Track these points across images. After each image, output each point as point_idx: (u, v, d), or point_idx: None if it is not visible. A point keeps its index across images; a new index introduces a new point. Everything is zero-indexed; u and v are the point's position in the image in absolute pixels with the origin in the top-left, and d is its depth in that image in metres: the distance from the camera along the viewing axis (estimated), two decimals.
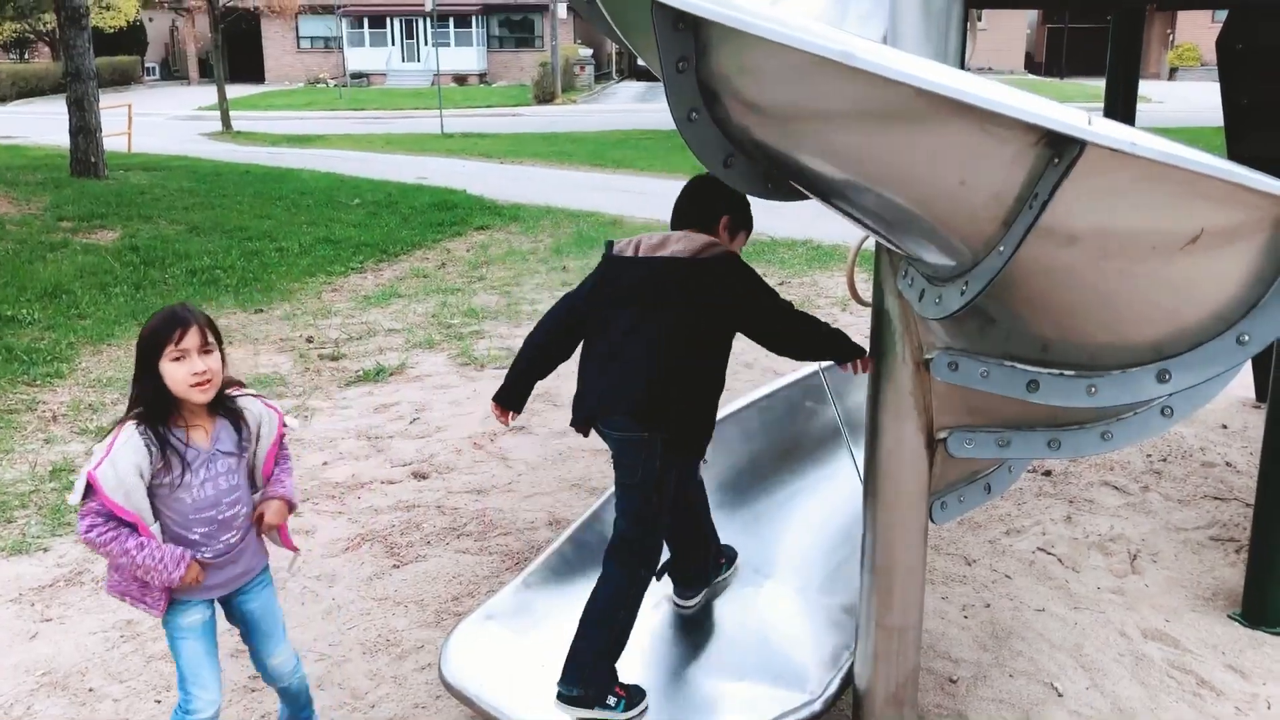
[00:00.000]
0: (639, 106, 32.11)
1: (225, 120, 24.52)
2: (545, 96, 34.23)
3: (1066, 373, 2.38)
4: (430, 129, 25.11)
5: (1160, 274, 2.00)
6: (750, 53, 1.97)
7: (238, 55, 43.23)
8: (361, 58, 43.27)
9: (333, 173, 15.32)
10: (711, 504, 3.22)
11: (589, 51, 40.45)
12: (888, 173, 1.98)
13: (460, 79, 40.93)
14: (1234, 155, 4.36)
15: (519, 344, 6.56)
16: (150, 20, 45.14)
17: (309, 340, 6.87)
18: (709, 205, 2.85)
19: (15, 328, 6.85)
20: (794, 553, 3.25)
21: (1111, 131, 1.72)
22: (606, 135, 22.68)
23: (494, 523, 4.16)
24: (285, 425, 2.60)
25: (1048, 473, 4.54)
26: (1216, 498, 4.31)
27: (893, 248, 2.34)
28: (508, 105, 33.08)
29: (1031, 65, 44.42)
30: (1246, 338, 2.14)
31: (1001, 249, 1.93)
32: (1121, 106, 4.93)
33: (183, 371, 2.35)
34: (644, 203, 12.65)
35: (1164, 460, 4.67)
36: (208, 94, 34.38)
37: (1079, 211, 1.85)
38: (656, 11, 1.92)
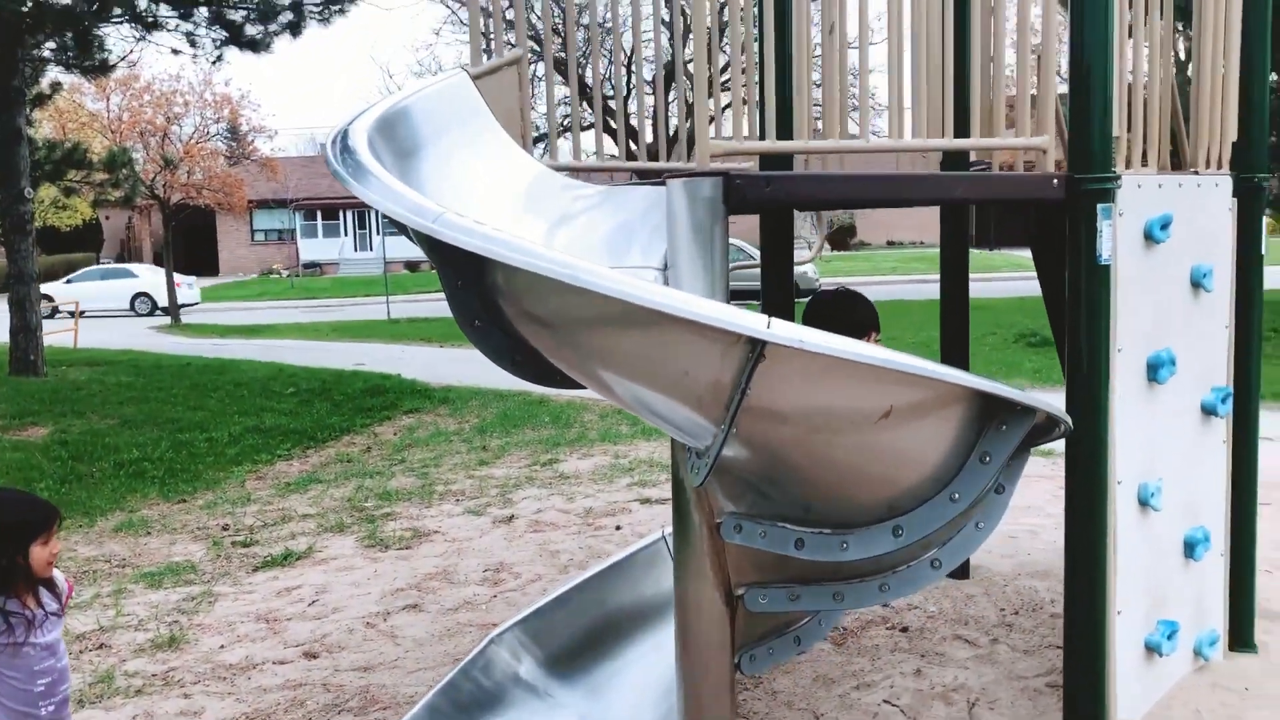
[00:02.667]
0: None
1: (174, 314, 24.98)
2: None
3: (825, 531, 2.71)
4: (379, 315, 25.71)
5: (866, 444, 2.36)
6: (516, 275, 2.36)
7: (193, 248, 44.21)
8: (315, 248, 44.41)
9: (273, 362, 15.68)
10: (555, 674, 3.48)
11: None
12: (632, 366, 2.36)
13: (412, 265, 41.98)
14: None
15: (431, 524, 6.89)
16: (107, 218, 46.14)
17: (224, 528, 7.08)
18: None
19: None
20: (630, 714, 3.49)
21: (784, 331, 2.10)
22: None
23: (375, 698, 4.34)
24: (72, 590, 3.21)
25: (904, 629, 4.81)
26: (1059, 646, 4.58)
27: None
28: None
29: (981, 239, 46.29)
30: (957, 496, 2.50)
31: (723, 428, 2.29)
32: None
33: (47, 554, 2.84)
34: None
35: (1016, 613, 4.96)
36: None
37: (780, 395, 2.22)
38: (424, 244, 2.31)
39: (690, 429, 2.40)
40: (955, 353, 5.25)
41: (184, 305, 28.40)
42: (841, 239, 48.33)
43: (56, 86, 17.75)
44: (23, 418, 10.43)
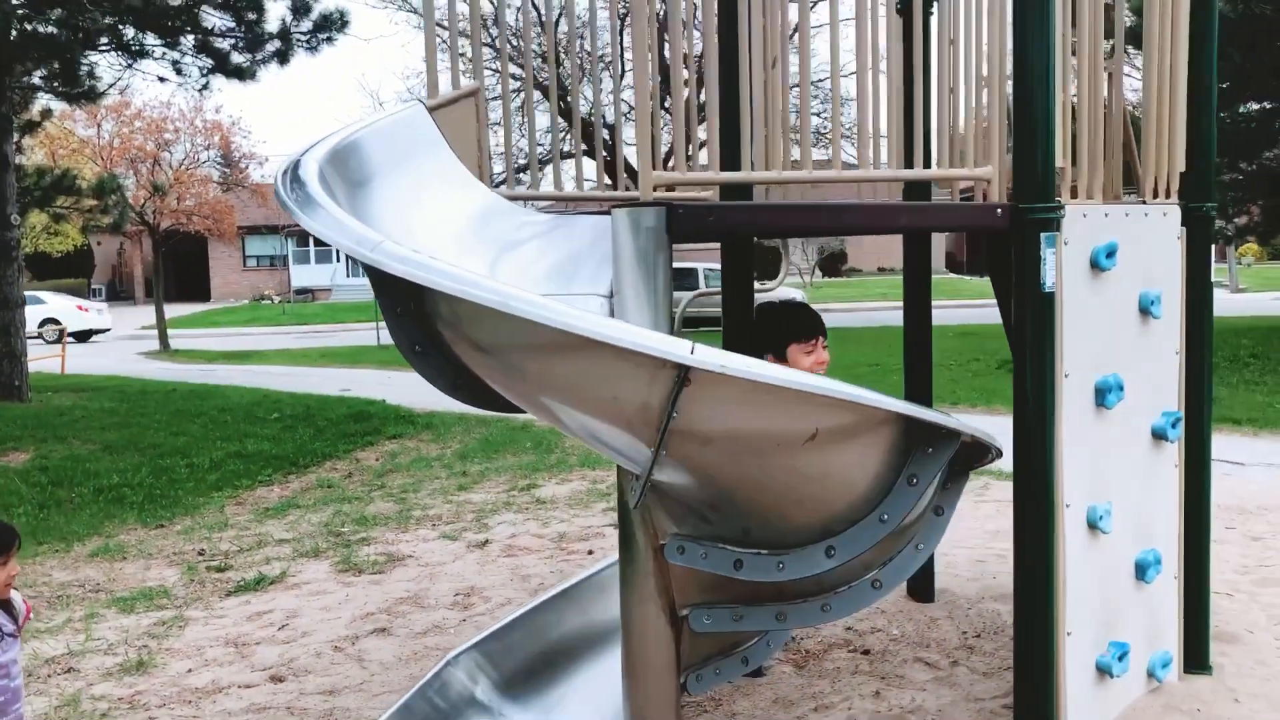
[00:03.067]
0: None
1: (163, 339, 25.04)
2: None
3: (763, 552, 2.77)
4: (369, 341, 25.75)
5: (794, 466, 2.42)
6: (453, 302, 2.43)
7: (185, 275, 44.32)
8: (307, 274, 44.49)
9: (259, 388, 15.71)
10: (510, 696, 3.53)
11: None
12: (565, 391, 2.42)
13: None
14: None
15: (405, 548, 6.93)
16: (99, 244, 46.25)
17: (200, 553, 7.11)
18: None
19: None
20: None
21: (707, 356, 2.17)
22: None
23: None
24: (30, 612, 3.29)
25: (866, 651, 4.85)
26: None
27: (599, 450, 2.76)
28: None
29: (953, 264, 46.52)
30: (886, 517, 2.56)
31: (653, 450, 2.35)
32: None
33: (5, 575, 2.93)
34: None
35: (978, 636, 5.01)
36: (152, 314, 34.98)
37: (706, 418, 2.28)
38: (371, 273, 2.38)
39: (625, 451, 2.46)
40: (918, 379, 5.32)
41: (96, 331, 29.09)
42: (832, 265, 48.55)
43: (47, 113, 17.87)
44: (3, 443, 10.46)
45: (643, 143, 2.88)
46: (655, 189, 2.90)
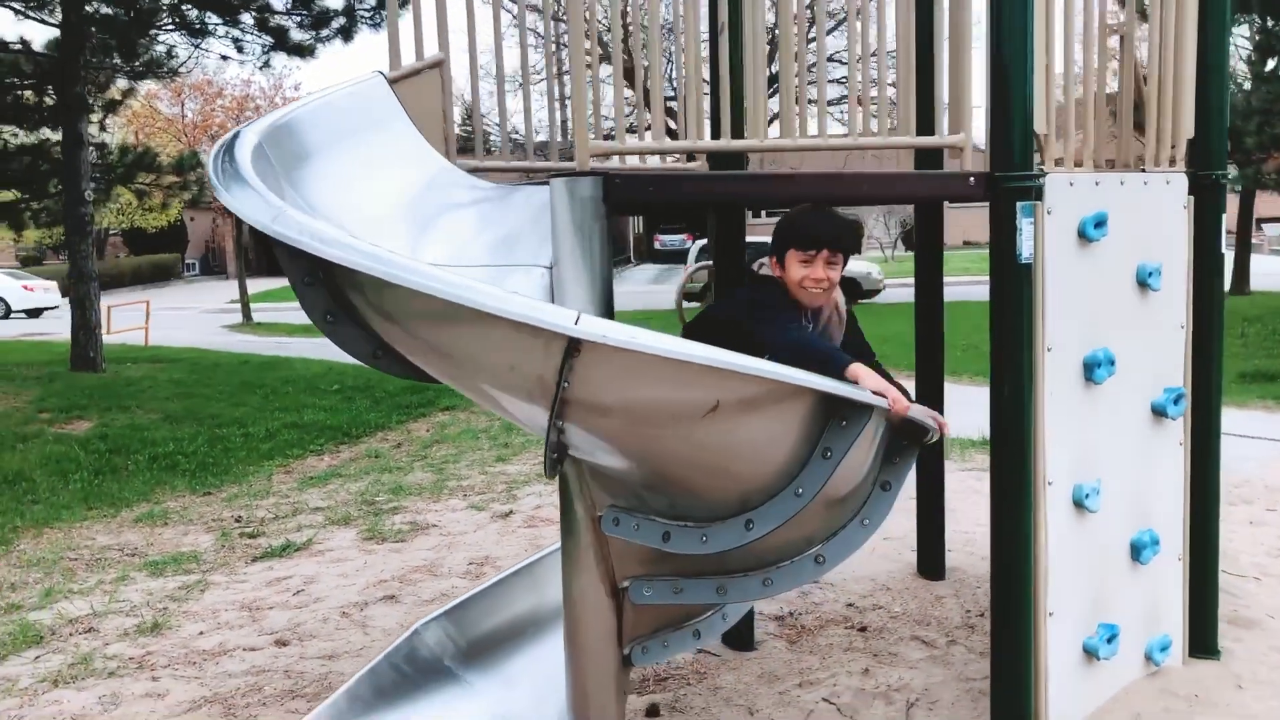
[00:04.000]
0: (652, 288, 33.16)
1: (245, 312, 25.69)
2: None
3: (689, 525, 2.75)
4: None
5: (695, 438, 2.39)
6: (356, 273, 2.44)
7: (272, 249, 45.25)
8: None
9: (326, 360, 16.01)
10: (475, 663, 3.56)
11: None
12: (464, 360, 2.42)
13: None
14: None
15: (433, 518, 7.04)
16: (192, 219, 47.51)
17: (237, 519, 7.30)
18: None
19: None
20: (537, 702, 3.55)
21: (591, 327, 2.15)
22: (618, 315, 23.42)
23: (332, 685, 4.45)
24: None
25: (863, 628, 4.79)
26: None
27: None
28: None
29: None
30: (800, 490, 2.52)
31: (552, 421, 2.34)
32: None
33: None
34: None
35: (981, 615, 4.91)
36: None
37: (600, 389, 2.27)
38: (276, 244, 2.40)
39: (529, 421, 2.46)
40: (928, 354, 5.22)
41: (41, 309, 31.07)
42: (912, 239, 47.68)
43: (129, 93, 18.37)
44: (70, 411, 10.85)
45: (579, 110, 2.86)
46: (591, 157, 2.87)
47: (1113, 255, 3.83)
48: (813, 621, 4.88)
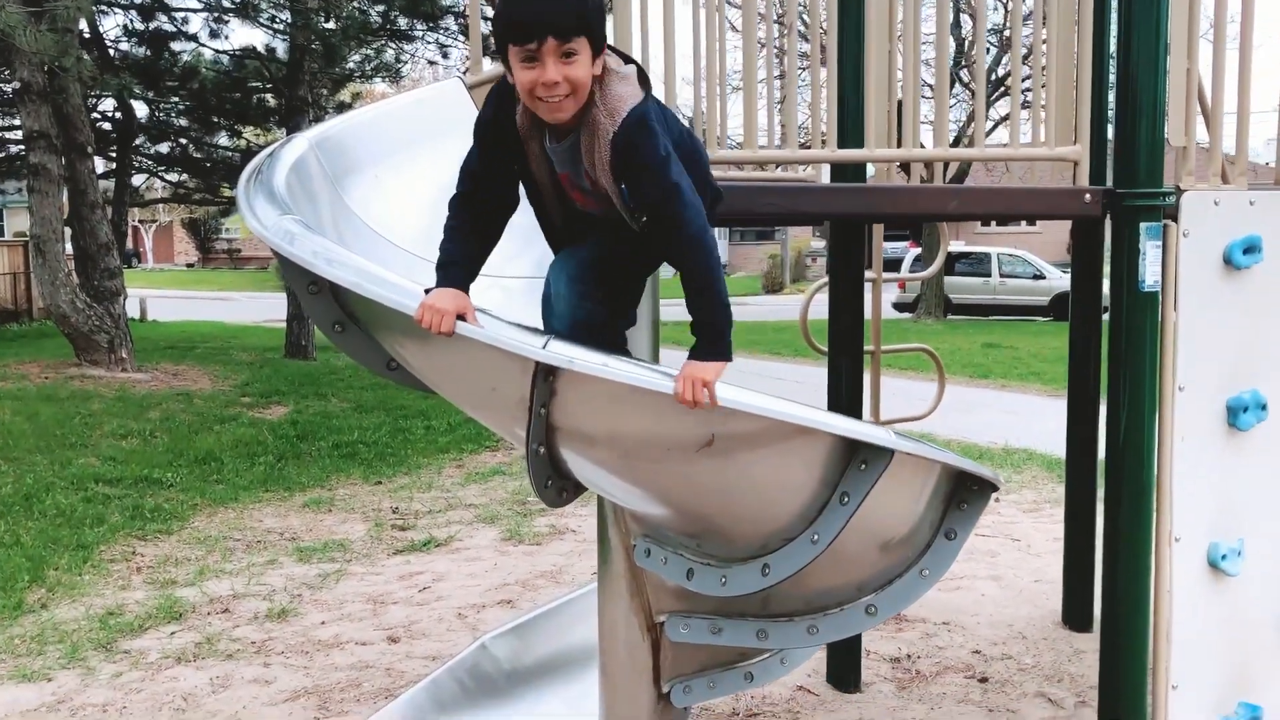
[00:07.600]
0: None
1: None
2: (774, 286, 35.20)
3: (711, 563, 2.57)
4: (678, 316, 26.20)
5: (692, 475, 2.21)
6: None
7: None
8: None
9: None
10: (539, 683, 3.48)
11: (821, 243, 41.43)
12: (447, 380, 2.32)
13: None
14: None
15: (574, 522, 7.03)
16: None
17: (394, 510, 7.51)
18: None
19: (154, 488, 7.85)
20: None
21: (560, 350, 2.00)
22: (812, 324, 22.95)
23: None
24: None
25: (984, 679, 4.42)
26: None
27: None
28: (737, 294, 34.19)
29: None
30: (816, 537, 2.30)
31: (534, 446, 2.21)
32: None
33: None
34: (798, 392, 12.85)
35: None
36: None
37: (578, 416, 2.12)
38: (278, 256, 2.37)
39: (516, 443, 2.34)
40: (1080, 371, 4.78)
41: None
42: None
43: (357, 95, 19.44)
44: (270, 396, 11.48)
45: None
46: None
47: (1269, 285, 3.36)
48: (930, 667, 4.54)
